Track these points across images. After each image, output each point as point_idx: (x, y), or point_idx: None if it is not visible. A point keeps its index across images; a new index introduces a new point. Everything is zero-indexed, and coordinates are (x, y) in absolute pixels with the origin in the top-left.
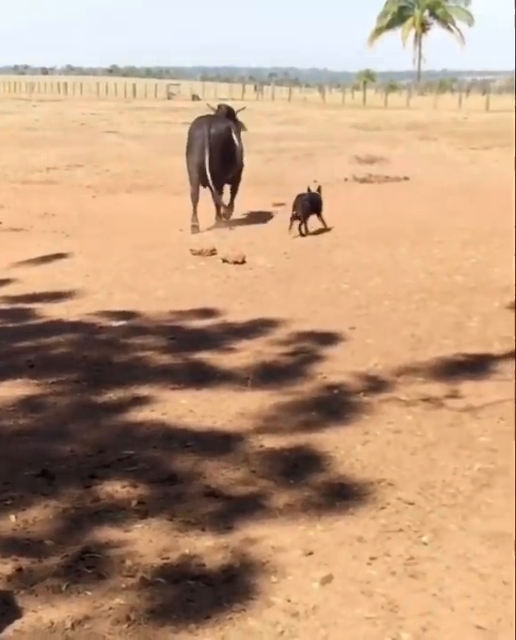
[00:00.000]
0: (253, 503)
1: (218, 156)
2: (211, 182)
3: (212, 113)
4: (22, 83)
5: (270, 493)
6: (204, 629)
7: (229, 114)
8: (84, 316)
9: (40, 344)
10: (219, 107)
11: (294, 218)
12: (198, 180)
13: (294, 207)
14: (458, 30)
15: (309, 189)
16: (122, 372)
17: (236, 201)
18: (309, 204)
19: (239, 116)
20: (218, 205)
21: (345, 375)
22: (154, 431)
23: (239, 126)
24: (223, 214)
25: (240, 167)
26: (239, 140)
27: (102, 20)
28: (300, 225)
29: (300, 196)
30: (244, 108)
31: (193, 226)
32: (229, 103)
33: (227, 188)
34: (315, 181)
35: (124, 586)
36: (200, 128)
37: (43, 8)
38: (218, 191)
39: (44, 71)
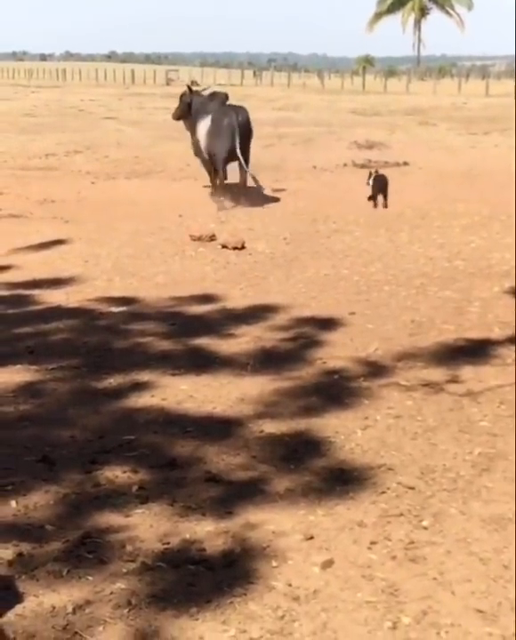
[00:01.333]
0: (254, 488)
1: (245, 141)
2: (243, 162)
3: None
4: (21, 69)
5: (270, 478)
6: (205, 614)
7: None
8: (84, 302)
9: (40, 330)
10: (214, 94)
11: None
12: (225, 161)
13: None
14: (457, 15)
15: (377, 171)
16: (122, 357)
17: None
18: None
19: (239, 102)
20: (244, 181)
21: (345, 360)
22: (154, 417)
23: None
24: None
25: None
26: None
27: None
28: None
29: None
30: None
31: (219, 202)
32: (227, 89)
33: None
34: (314, 167)
35: (124, 571)
36: (228, 116)
37: None
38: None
39: (43, 57)
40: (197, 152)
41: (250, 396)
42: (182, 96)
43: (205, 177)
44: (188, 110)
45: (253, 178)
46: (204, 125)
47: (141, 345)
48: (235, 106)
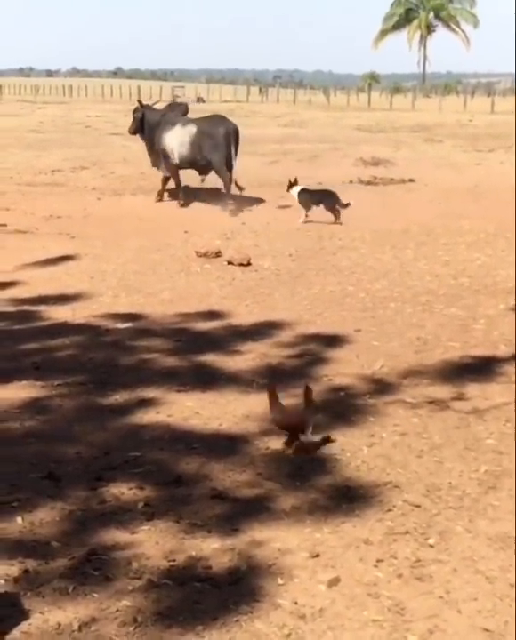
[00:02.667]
0: (260, 505)
1: (236, 149)
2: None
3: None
4: (27, 85)
5: (276, 496)
6: (211, 631)
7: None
8: (90, 318)
9: (46, 346)
10: (173, 104)
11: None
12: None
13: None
14: (463, 32)
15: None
16: (128, 374)
17: (237, 202)
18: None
19: (245, 118)
20: (229, 186)
21: (351, 377)
22: (160, 433)
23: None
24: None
25: None
26: None
27: (107, 22)
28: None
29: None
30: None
31: (231, 207)
32: (233, 106)
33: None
34: (320, 183)
35: (130, 588)
36: (224, 126)
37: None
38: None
39: (49, 73)
40: (157, 163)
41: (256, 412)
42: (135, 112)
43: (211, 193)
44: (141, 125)
45: (236, 184)
46: (178, 137)
47: (146, 361)
48: (221, 116)
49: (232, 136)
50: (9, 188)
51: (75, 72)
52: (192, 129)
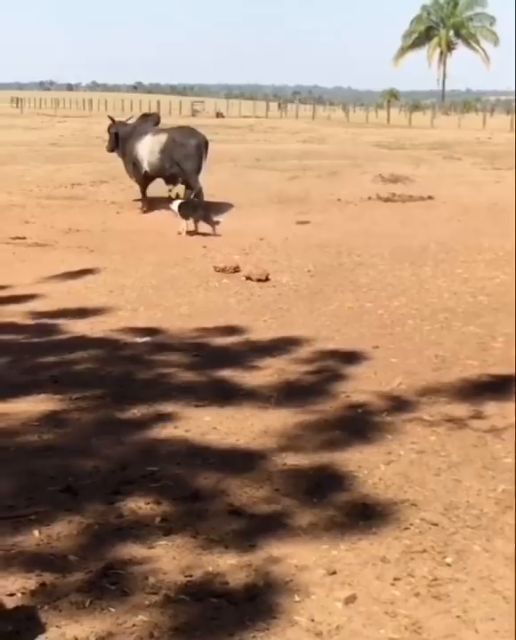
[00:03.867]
0: (277, 521)
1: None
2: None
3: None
4: (48, 98)
5: (293, 512)
6: None
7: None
8: (108, 332)
9: (64, 359)
10: (144, 115)
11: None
12: (196, 175)
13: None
14: (483, 50)
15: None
16: (145, 388)
17: (256, 218)
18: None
19: (264, 134)
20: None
21: (369, 394)
22: (177, 448)
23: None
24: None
25: None
26: None
27: (127, 36)
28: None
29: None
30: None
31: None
32: (252, 121)
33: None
34: (338, 200)
35: (147, 603)
36: (195, 138)
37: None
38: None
39: (70, 87)
40: (132, 172)
41: (273, 428)
42: (109, 128)
43: (230, 209)
44: (116, 140)
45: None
46: (148, 146)
47: (164, 376)
48: (191, 128)
49: (203, 147)
50: (29, 202)
51: (95, 86)
52: (162, 138)
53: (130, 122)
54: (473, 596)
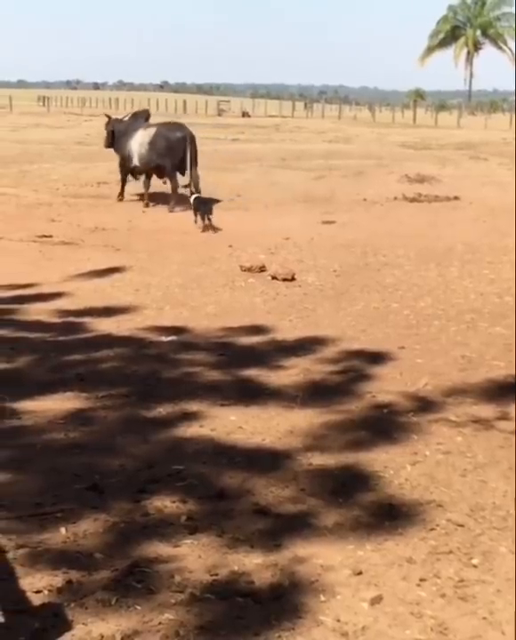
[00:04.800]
0: (302, 521)
1: (194, 156)
2: (191, 173)
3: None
4: (74, 97)
5: (318, 512)
6: None
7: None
8: (135, 331)
9: (90, 358)
10: (136, 112)
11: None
12: (178, 171)
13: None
14: (510, 50)
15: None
16: (171, 387)
17: (282, 217)
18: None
19: (290, 133)
20: (177, 187)
21: (394, 395)
22: (203, 447)
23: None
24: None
25: None
26: None
27: (154, 36)
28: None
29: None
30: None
31: (174, 205)
32: (278, 121)
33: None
34: (364, 200)
35: (173, 601)
36: (181, 131)
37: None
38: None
39: (96, 86)
40: (122, 165)
41: (299, 428)
42: (106, 126)
43: (256, 208)
44: (113, 136)
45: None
46: (138, 140)
47: (190, 374)
48: (179, 123)
49: (187, 141)
50: (55, 200)
51: (121, 85)
52: (151, 131)
53: (126, 119)
54: (499, 598)
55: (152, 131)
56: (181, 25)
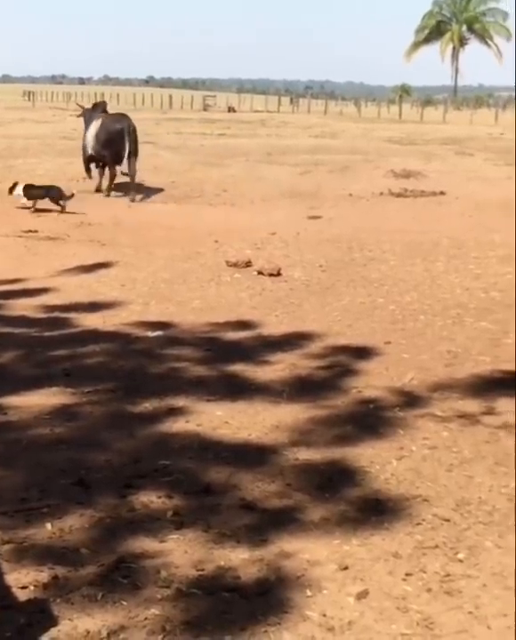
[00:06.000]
0: (289, 516)
1: (135, 145)
2: (128, 164)
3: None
4: (59, 92)
5: (305, 507)
6: None
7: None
8: (120, 326)
9: (76, 353)
10: (96, 103)
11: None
12: (114, 161)
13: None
14: (496, 45)
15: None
16: (157, 382)
17: (268, 212)
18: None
19: (276, 128)
20: (114, 177)
21: (380, 390)
22: (189, 442)
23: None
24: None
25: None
26: None
27: (139, 31)
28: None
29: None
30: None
31: (107, 193)
32: (264, 116)
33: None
34: (350, 195)
35: (159, 596)
36: (120, 123)
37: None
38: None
39: (81, 81)
40: (82, 155)
41: (285, 423)
42: (78, 116)
43: (242, 203)
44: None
45: (112, 177)
46: (91, 130)
47: (176, 370)
48: (122, 114)
49: (126, 133)
50: None
51: (107, 80)
52: (98, 123)
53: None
54: (485, 592)
55: (99, 122)
56: (166, 20)
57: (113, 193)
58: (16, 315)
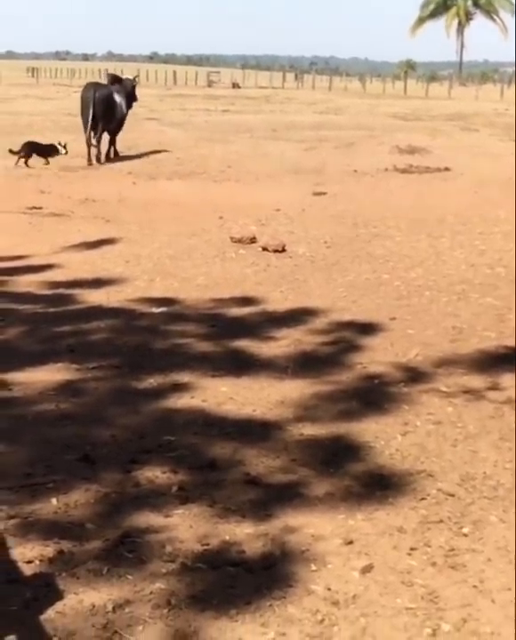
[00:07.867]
0: (293, 491)
1: (101, 112)
2: (93, 132)
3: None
4: (63, 68)
5: (309, 482)
6: (244, 616)
7: (114, 81)
8: (125, 302)
9: (80, 329)
10: (110, 76)
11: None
12: (88, 130)
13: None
14: (501, 21)
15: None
16: (162, 358)
17: (272, 189)
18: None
19: (280, 105)
20: (91, 147)
21: (385, 365)
22: (194, 418)
23: (125, 90)
24: (104, 157)
25: (120, 120)
26: (121, 99)
27: (143, 6)
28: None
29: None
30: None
31: (89, 161)
32: (269, 92)
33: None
34: (355, 171)
35: (164, 571)
36: (88, 91)
37: None
38: (98, 139)
39: (85, 57)
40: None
41: (290, 398)
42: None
43: (247, 180)
44: None
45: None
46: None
47: (180, 346)
48: (94, 84)
49: (91, 101)
50: (45, 172)
51: (111, 56)
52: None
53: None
54: (490, 567)
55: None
56: None
57: (119, 168)
58: (21, 291)
